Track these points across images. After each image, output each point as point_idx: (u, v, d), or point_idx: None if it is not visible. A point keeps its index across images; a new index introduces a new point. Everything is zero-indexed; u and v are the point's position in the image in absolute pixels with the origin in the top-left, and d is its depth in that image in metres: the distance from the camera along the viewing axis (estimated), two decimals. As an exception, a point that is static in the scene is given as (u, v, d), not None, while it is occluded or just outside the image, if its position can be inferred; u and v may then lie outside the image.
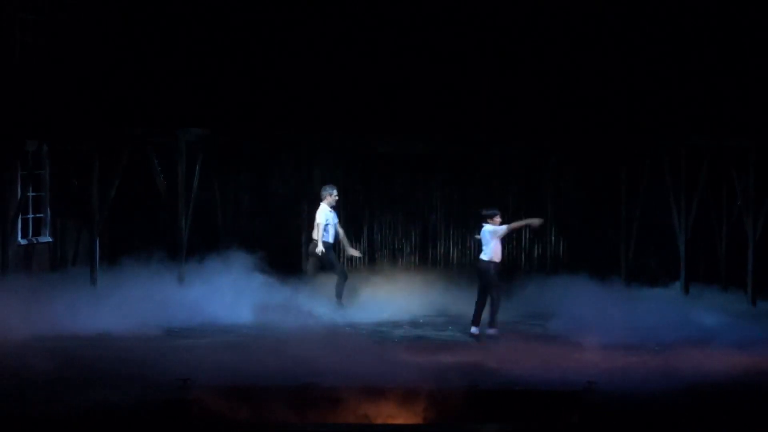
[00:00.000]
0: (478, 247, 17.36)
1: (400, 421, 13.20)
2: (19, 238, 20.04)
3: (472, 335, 17.10)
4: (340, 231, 19.14)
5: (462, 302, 18.53)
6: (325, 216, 18.79)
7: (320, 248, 18.66)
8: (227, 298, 18.21)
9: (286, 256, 20.86)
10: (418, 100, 19.64)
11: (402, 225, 22.20)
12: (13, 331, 16.10)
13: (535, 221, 17.66)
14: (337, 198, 18.91)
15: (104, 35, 19.91)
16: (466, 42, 19.81)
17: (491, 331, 16.99)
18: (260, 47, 19.99)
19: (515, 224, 17.53)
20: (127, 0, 20.10)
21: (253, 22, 20.01)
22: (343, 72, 19.84)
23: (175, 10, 19.97)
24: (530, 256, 22.09)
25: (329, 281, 19.05)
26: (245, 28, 19.99)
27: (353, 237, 22.14)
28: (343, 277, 18.86)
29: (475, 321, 17.13)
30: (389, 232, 22.06)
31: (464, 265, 22.00)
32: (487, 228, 17.06)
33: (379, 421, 13.24)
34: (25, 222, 20.25)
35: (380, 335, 17.43)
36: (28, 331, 16.21)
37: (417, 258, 22.16)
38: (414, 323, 18.29)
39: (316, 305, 18.10)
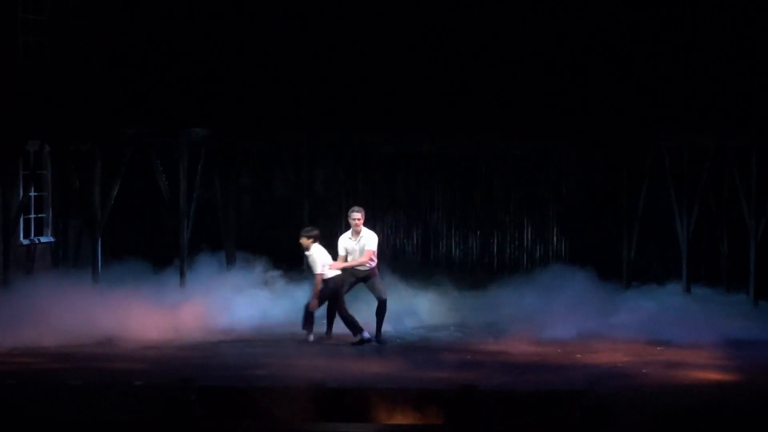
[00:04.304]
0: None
1: (399, 421, 13.20)
2: (21, 238, 20.04)
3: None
4: None
5: (461, 303, 18.56)
6: None
7: None
8: (227, 299, 18.19)
9: (287, 256, 20.82)
10: (419, 100, 19.62)
11: (403, 225, 22.18)
12: (11, 334, 16.14)
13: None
14: None
15: (106, 35, 19.92)
16: (466, 42, 19.80)
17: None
18: (262, 47, 19.99)
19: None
20: (129, 0, 20.12)
21: (255, 23, 20.01)
22: (344, 72, 19.84)
23: (176, 10, 19.97)
24: (532, 256, 22.08)
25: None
26: (247, 28, 19.99)
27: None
28: None
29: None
30: (391, 232, 22.05)
31: (466, 264, 22.02)
32: None
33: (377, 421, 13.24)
34: (27, 222, 20.25)
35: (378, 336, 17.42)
36: (26, 335, 16.22)
37: (419, 258, 22.14)
38: (413, 324, 18.26)
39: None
